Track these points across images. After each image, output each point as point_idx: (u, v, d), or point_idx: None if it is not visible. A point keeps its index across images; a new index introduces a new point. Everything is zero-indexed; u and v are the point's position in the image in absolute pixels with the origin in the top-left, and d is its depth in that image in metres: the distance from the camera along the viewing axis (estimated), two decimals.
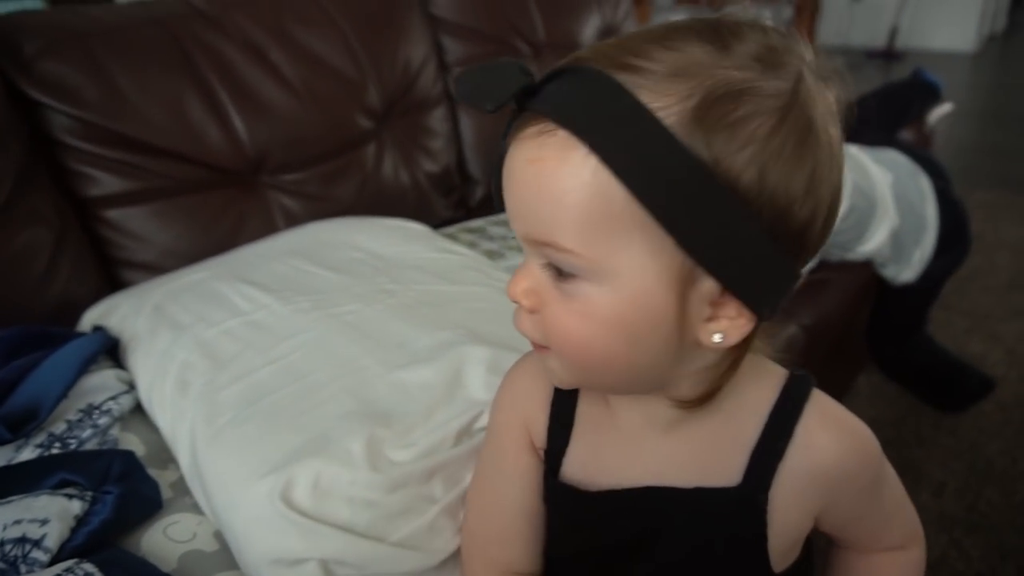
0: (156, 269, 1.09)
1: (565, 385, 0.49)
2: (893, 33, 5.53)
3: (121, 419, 0.69)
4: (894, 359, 1.64)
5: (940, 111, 1.73)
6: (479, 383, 0.65)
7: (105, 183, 1.10)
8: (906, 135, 1.58)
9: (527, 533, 0.57)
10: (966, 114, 4.01)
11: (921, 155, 1.40)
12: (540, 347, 0.46)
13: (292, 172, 1.26)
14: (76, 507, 0.54)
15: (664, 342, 0.42)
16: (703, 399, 0.47)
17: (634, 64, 0.38)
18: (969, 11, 5.73)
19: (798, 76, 0.40)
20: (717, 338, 0.42)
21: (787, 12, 4.76)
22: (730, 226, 0.39)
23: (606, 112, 0.38)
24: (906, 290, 1.38)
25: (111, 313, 0.86)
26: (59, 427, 0.64)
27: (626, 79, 0.38)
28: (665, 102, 0.37)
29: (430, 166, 1.48)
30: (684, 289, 0.40)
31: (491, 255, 1.18)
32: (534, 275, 0.43)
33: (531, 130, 0.40)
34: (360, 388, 0.64)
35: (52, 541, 0.51)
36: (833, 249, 1.28)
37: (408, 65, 1.45)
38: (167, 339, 0.75)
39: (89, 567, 0.48)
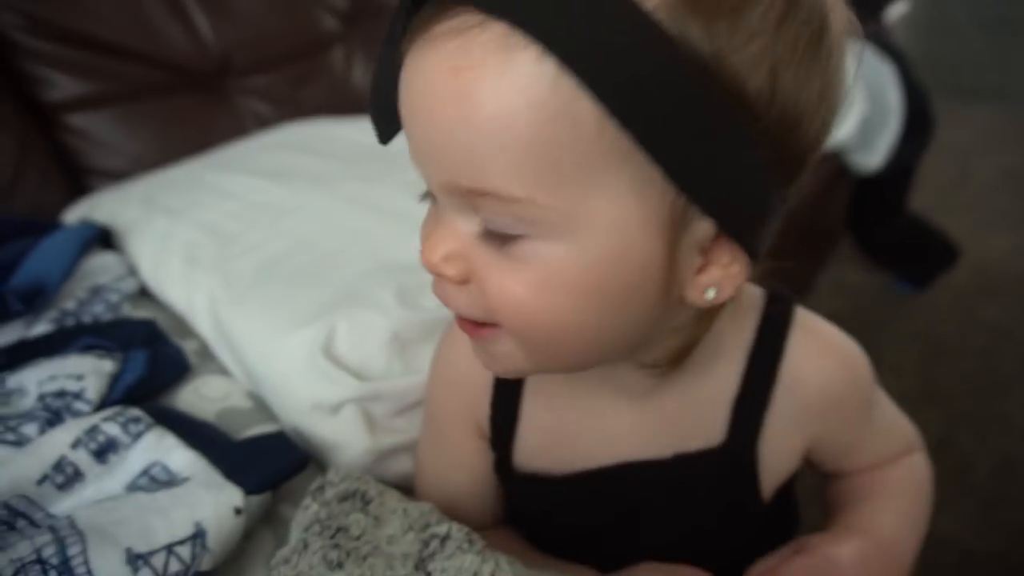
0: (126, 176, 1.05)
1: (518, 374, 0.40)
2: None
3: (127, 299, 0.67)
4: (876, 240, 1.74)
5: (898, 7, 1.75)
6: None
7: (64, 86, 1.04)
8: (869, 28, 1.61)
9: (480, 506, 0.50)
10: (908, 23, 4.08)
11: (881, 41, 1.43)
12: (480, 327, 0.35)
13: (259, 74, 1.21)
14: (108, 365, 0.53)
15: (647, 305, 0.33)
16: (677, 360, 0.39)
17: None
18: None
19: None
20: (711, 293, 0.33)
21: None
22: (736, 149, 0.29)
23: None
24: (880, 177, 1.44)
25: (94, 210, 0.83)
26: (70, 303, 0.62)
27: None
28: None
29: None
30: (675, 236, 0.31)
31: None
32: (458, 234, 0.33)
33: (446, 25, 0.29)
34: (378, 250, 0.64)
35: (92, 393, 0.51)
36: None
37: None
38: (164, 223, 0.73)
39: (135, 411, 0.48)
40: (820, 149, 0.34)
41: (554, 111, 0.28)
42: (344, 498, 0.46)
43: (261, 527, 0.48)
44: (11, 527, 0.43)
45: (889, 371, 1.55)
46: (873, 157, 1.39)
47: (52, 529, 0.41)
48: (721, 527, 0.47)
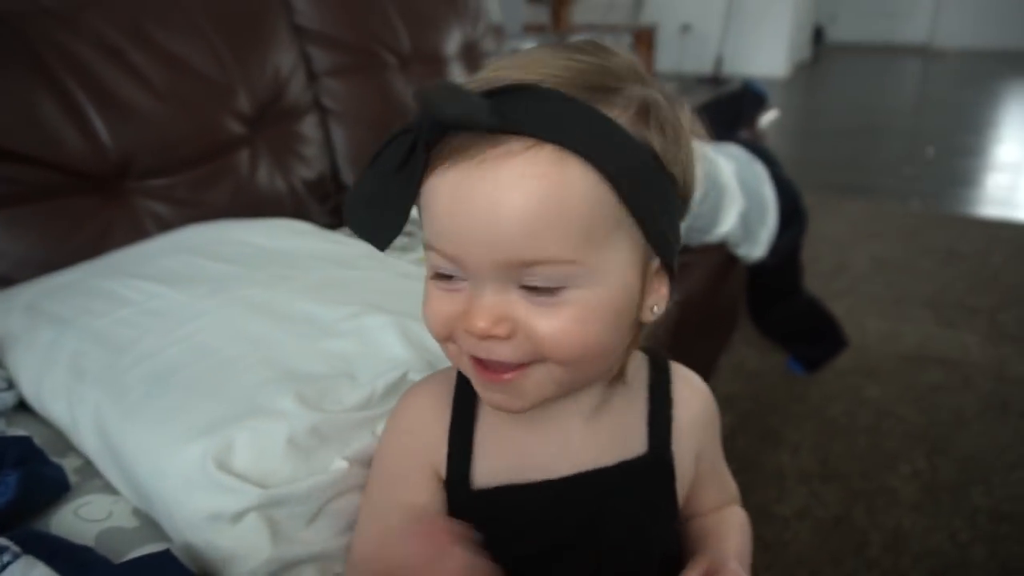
0: (9, 282, 1.00)
1: (537, 401, 0.48)
2: (719, 61, 6.10)
3: (4, 414, 0.63)
4: (770, 324, 1.86)
5: (769, 116, 1.95)
6: (397, 344, 0.66)
7: None
8: (742, 135, 1.77)
9: None
10: (781, 131, 4.50)
11: (754, 146, 1.58)
12: (514, 369, 0.46)
13: (161, 177, 1.20)
14: None
15: (630, 322, 0.47)
16: (620, 374, 0.53)
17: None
18: (780, 42, 6.48)
19: (662, 90, 0.47)
20: (657, 309, 0.49)
21: (626, 40, 5.13)
22: (674, 212, 0.47)
23: (587, 126, 0.41)
24: (766, 266, 1.55)
25: None
26: None
27: (578, 95, 0.42)
28: (615, 113, 0.43)
29: (305, 172, 1.46)
30: (645, 272, 0.47)
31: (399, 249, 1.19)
32: (499, 302, 0.44)
33: (503, 149, 0.41)
34: (277, 359, 0.63)
35: None
36: (693, 233, 1.41)
37: (277, 72, 1.43)
38: (50, 333, 0.70)
39: (1, 540, 0.45)
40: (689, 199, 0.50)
41: (594, 199, 0.42)
42: None
43: None
44: None
45: (788, 450, 1.62)
46: (756, 248, 1.51)
47: None
48: (656, 527, 0.57)
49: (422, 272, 0.90)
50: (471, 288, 0.45)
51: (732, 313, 1.92)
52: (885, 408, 1.78)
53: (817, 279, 2.33)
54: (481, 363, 0.46)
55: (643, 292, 0.47)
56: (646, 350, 0.57)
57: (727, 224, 1.42)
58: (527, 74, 0.43)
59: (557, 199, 0.41)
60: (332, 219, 1.53)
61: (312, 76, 1.56)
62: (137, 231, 1.14)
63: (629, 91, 0.44)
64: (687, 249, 1.42)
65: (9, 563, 0.43)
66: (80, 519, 0.53)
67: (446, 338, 0.47)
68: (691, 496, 0.61)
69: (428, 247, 0.46)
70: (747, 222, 1.45)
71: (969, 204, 3.34)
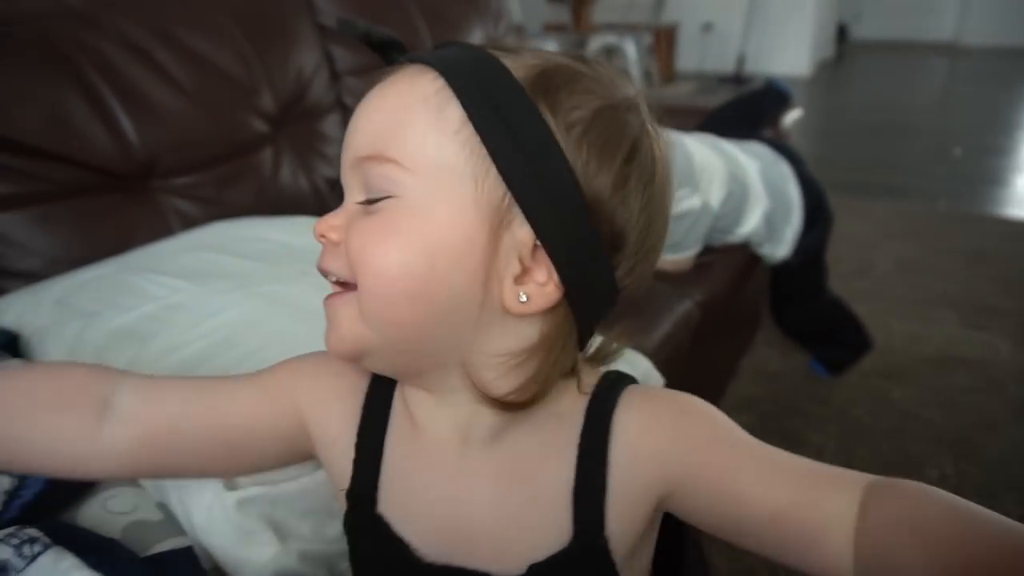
0: (39, 277, 1.02)
1: (356, 346, 0.43)
2: (741, 60, 6.05)
3: None
4: (793, 325, 1.83)
5: (792, 115, 1.93)
6: None
7: None
8: (766, 134, 1.75)
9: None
10: (804, 131, 4.45)
11: (778, 145, 1.57)
12: (339, 287, 0.44)
13: (185, 175, 1.22)
14: (5, 482, 0.50)
15: (468, 278, 0.40)
16: (519, 403, 0.43)
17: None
18: (803, 40, 6.40)
19: (630, 95, 0.44)
20: (523, 298, 0.40)
21: (647, 40, 5.11)
22: (555, 170, 0.39)
23: (455, 53, 0.42)
24: (790, 267, 1.53)
25: (4, 312, 0.80)
26: None
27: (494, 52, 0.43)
28: (516, 65, 0.41)
29: (328, 171, 1.47)
30: (497, 226, 0.40)
31: None
32: (347, 211, 0.43)
33: (394, 75, 0.43)
34: (298, 350, 0.63)
35: None
36: (715, 234, 1.40)
37: (301, 72, 1.45)
38: (77, 326, 0.71)
39: (32, 531, 0.45)
40: (632, 239, 0.42)
41: (431, 106, 0.40)
42: None
43: None
44: None
45: (811, 453, 1.60)
46: (780, 247, 1.49)
47: None
48: None
49: None
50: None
51: (754, 314, 1.91)
52: (910, 411, 1.76)
53: (841, 279, 2.30)
54: None
55: (492, 251, 0.40)
56: (601, 379, 0.46)
57: (751, 224, 1.40)
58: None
59: (396, 100, 0.42)
60: None
61: (335, 75, 1.57)
62: (162, 228, 1.16)
63: (588, 104, 0.41)
64: (710, 249, 1.41)
65: (39, 553, 0.44)
66: (107, 512, 0.54)
67: None
68: (758, 513, 0.42)
69: None
70: (771, 221, 1.44)
71: (997, 204, 3.28)
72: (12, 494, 0.50)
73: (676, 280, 1.30)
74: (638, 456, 0.43)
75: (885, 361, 1.94)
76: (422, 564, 0.45)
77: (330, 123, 1.51)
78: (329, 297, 0.44)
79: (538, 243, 0.40)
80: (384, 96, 0.43)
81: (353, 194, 0.43)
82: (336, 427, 0.49)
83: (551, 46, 3.98)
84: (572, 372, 0.46)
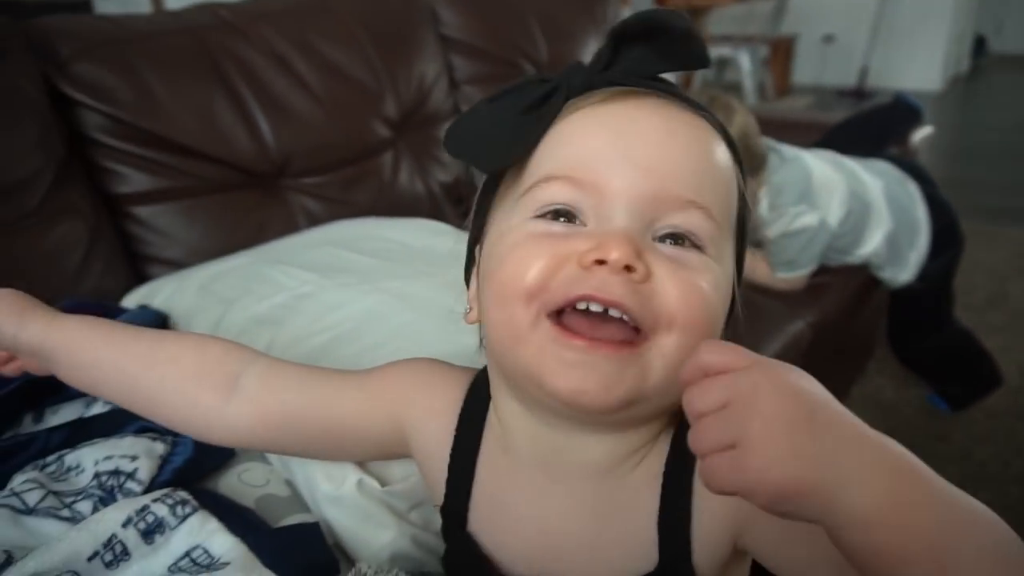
0: (182, 267, 1.11)
1: (623, 398, 0.39)
2: (864, 73, 5.76)
3: None
4: (913, 355, 1.72)
5: (922, 133, 1.82)
6: None
7: (135, 180, 1.12)
8: (892, 152, 1.66)
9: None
10: (934, 150, 4.18)
11: (907, 163, 1.48)
12: (630, 330, 0.39)
13: (313, 176, 1.29)
14: (160, 448, 0.56)
15: (723, 311, 0.43)
16: (667, 412, 0.44)
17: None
18: (935, 53, 6.01)
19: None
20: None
21: (763, 52, 4.96)
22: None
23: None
24: (913, 293, 1.45)
25: (154, 295, 0.88)
26: None
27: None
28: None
29: (442, 176, 1.52)
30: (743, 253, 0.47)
31: None
32: (640, 240, 0.39)
33: (666, 99, 0.42)
34: (419, 343, 0.67)
35: (144, 474, 0.53)
36: (833, 253, 1.35)
37: (422, 80, 1.51)
38: (218, 312, 0.78)
39: (183, 494, 0.50)
40: None
41: (733, 181, 0.44)
42: None
43: None
44: None
45: None
46: (903, 272, 1.41)
47: None
48: None
49: None
50: (596, 227, 0.39)
51: (869, 339, 1.81)
52: None
53: (970, 310, 2.15)
54: (572, 320, 0.39)
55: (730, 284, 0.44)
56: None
57: (871, 245, 1.34)
58: None
59: (719, 156, 0.42)
60: (463, 221, 1.59)
61: (454, 84, 1.62)
62: (290, 224, 1.24)
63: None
64: (825, 269, 1.35)
65: (189, 514, 0.48)
66: (243, 483, 0.59)
67: (530, 292, 0.39)
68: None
69: (547, 179, 0.41)
70: (894, 243, 1.37)
71: None
72: (165, 459, 0.55)
73: (788, 299, 1.26)
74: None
75: (1017, 400, 1.80)
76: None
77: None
78: (601, 343, 0.38)
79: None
80: (701, 139, 0.42)
81: (641, 218, 0.39)
82: (431, 445, 0.50)
83: None
84: None
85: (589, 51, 1.94)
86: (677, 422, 0.45)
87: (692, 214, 0.40)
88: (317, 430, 0.52)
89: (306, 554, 0.50)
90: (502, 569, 0.46)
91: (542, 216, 0.41)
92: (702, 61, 0.42)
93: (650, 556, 0.43)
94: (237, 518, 0.51)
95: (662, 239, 0.40)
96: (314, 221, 1.26)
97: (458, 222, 1.57)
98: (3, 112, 0.97)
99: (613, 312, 0.38)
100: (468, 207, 1.76)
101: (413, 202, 1.44)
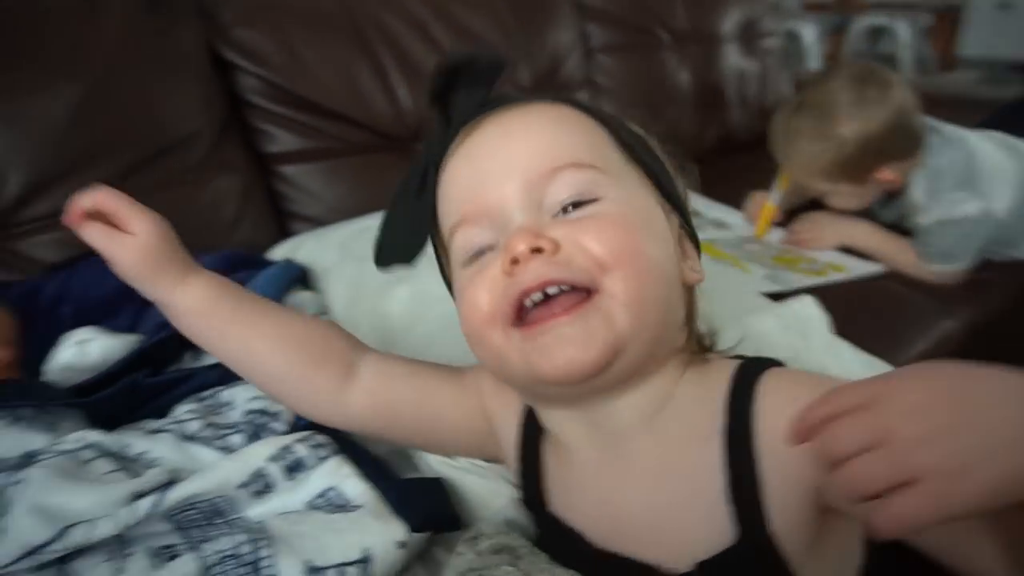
0: (322, 224, 1.17)
1: (603, 350, 0.42)
2: None
3: None
4: None
5: None
6: None
7: (283, 140, 1.19)
8: None
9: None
10: None
11: None
12: (580, 302, 0.42)
13: None
14: None
15: (672, 257, 0.47)
16: (693, 351, 0.49)
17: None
18: None
19: None
20: (695, 274, 0.49)
21: (926, 20, 4.54)
22: (670, 186, 0.50)
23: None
24: None
25: (297, 250, 0.94)
26: None
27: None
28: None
29: None
30: (667, 212, 0.48)
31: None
32: (536, 224, 0.43)
33: (499, 113, 0.47)
34: None
35: (287, 415, 0.57)
36: (997, 246, 1.22)
37: (556, 47, 1.49)
38: (356, 268, 0.81)
39: (321, 438, 0.54)
40: None
41: (595, 132, 0.48)
42: (496, 551, 0.48)
43: (416, 564, 0.51)
44: (211, 522, 0.49)
45: None
46: None
47: (248, 530, 0.46)
48: None
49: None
50: (504, 241, 0.44)
51: None
52: None
53: None
54: (531, 315, 0.42)
55: (676, 244, 0.48)
56: (737, 370, 0.46)
57: None
58: None
59: (567, 119, 0.47)
60: None
61: (588, 52, 1.59)
62: None
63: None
64: (989, 264, 1.23)
65: (327, 457, 0.52)
66: None
67: (490, 319, 0.43)
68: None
69: (452, 234, 0.47)
70: None
71: None
72: None
73: (939, 294, 1.16)
74: (786, 451, 0.39)
75: None
76: (595, 550, 0.47)
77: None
78: (557, 315, 0.42)
79: (683, 228, 0.49)
80: (539, 114, 0.47)
81: (529, 217, 0.44)
82: (508, 436, 0.54)
83: (809, 29, 3.68)
84: (703, 358, 0.49)
85: (730, 19, 1.85)
86: (731, 376, 0.45)
87: (562, 176, 0.44)
88: (422, 423, 0.55)
89: (430, 506, 0.52)
90: (587, 540, 0.48)
91: (468, 263, 0.46)
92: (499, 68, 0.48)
93: (725, 528, 0.42)
94: (368, 464, 0.54)
95: (563, 212, 0.44)
96: None
97: None
98: (172, 74, 1.05)
99: (552, 290, 0.42)
100: None
101: None
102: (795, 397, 0.39)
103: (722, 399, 0.44)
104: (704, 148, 1.76)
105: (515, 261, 0.42)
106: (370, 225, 0.97)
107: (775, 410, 0.42)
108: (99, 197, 0.50)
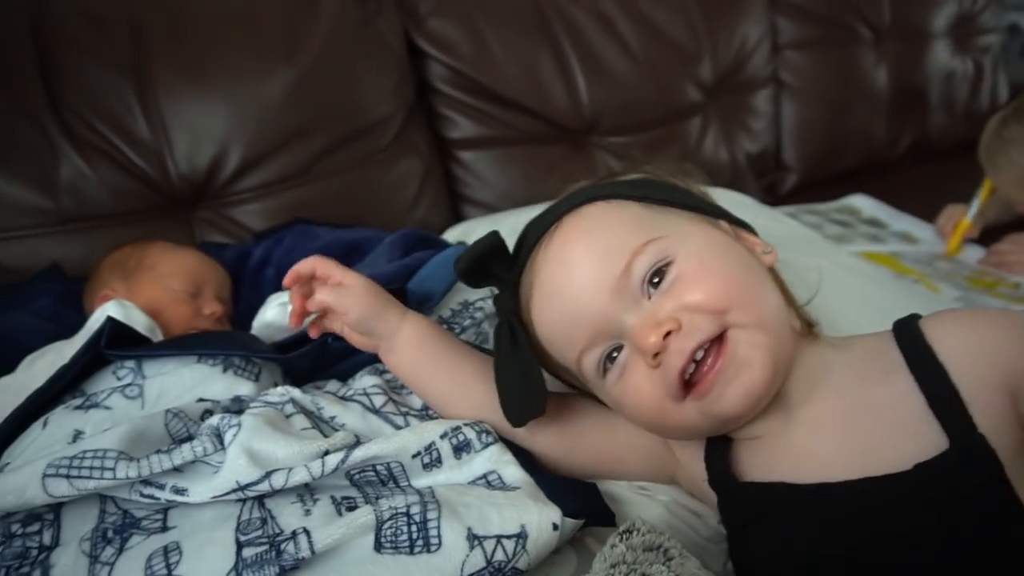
0: (493, 210, 1.22)
1: (772, 369, 0.47)
2: None
3: (489, 317, 0.79)
4: None
5: None
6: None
7: (463, 127, 1.25)
8: None
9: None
10: None
11: None
12: (719, 351, 0.47)
13: (620, 135, 1.32)
14: None
15: (754, 263, 0.51)
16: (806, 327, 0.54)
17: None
18: None
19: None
20: (767, 256, 0.53)
21: None
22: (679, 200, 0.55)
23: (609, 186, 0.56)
24: None
25: (470, 233, 0.98)
26: (446, 313, 0.75)
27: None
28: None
29: (749, 146, 1.46)
30: (715, 226, 0.53)
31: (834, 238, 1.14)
32: (648, 315, 0.48)
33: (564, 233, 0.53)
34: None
35: None
36: None
37: (744, 43, 1.44)
38: None
39: (486, 425, 0.56)
40: None
41: (623, 210, 0.53)
42: (649, 548, 0.48)
43: (567, 549, 0.52)
44: (383, 483, 0.53)
45: None
46: None
47: (419, 493, 0.50)
48: (982, 533, 0.43)
49: (862, 265, 0.84)
50: (633, 342, 0.49)
51: None
52: None
53: None
54: (694, 381, 0.47)
55: (744, 247, 0.52)
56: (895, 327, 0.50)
57: None
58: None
59: (604, 217, 0.52)
60: (764, 196, 1.51)
61: (776, 48, 1.52)
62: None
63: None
64: None
65: (490, 443, 0.55)
66: None
67: (662, 406, 0.48)
68: None
69: (579, 363, 0.52)
70: None
71: None
72: None
73: None
74: (972, 356, 0.46)
75: None
76: (805, 488, 0.48)
77: (761, 97, 1.48)
78: (714, 368, 0.47)
79: (732, 224, 0.55)
80: (583, 233, 0.52)
81: (631, 304, 0.49)
82: (685, 460, 0.56)
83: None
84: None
85: (943, 14, 1.69)
86: (890, 331, 0.50)
87: (633, 266, 0.49)
88: (603, 452, 0.58)
89: (584, 502, 0.54)
90: (803, 484, 0.48)
91: (604, 374, 0.51)
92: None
93: (936, 439, 0.44)
94: (525, 458, 0.56)
95: (651, 284, 0.49)
96: None
97: (758, 195, 1.50)
98: (373, 61, 1.14)
99: (699, 356, 0.47)
100: (770, 182, 1.68)
101: (714, 170, 1.40)
102: (959, 318, 0.49)
103: (889, 343, 0.49)
104: (896, 153, 1.63)
105: (656, 354, 0.47)
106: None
107: (950, 332, 0.47)
108: (313, 263, 0.59)
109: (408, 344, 0.59)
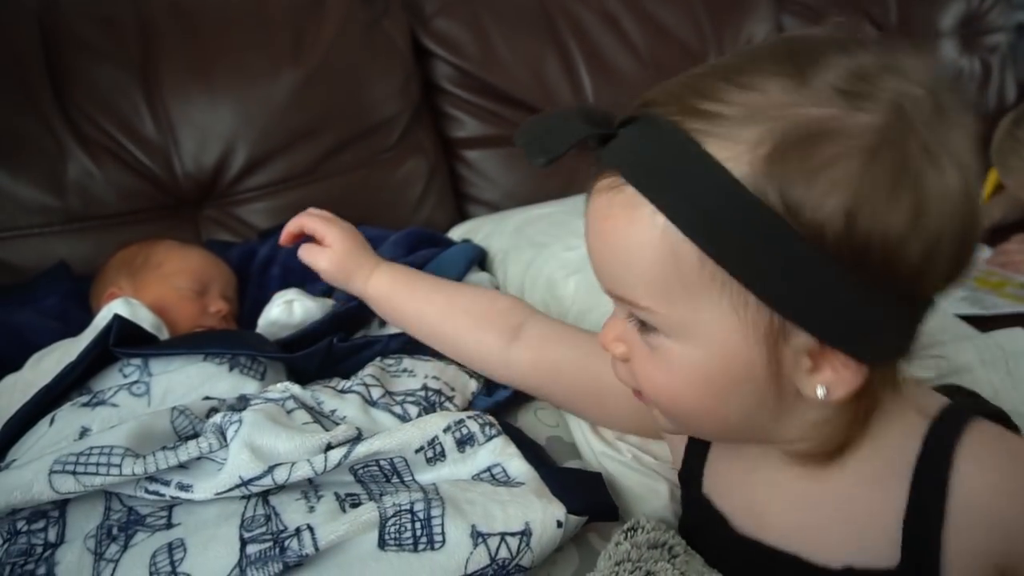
0: (498, 209, 1.22)
1: (668, 431, 0.50)
2: None
3: None
4: None
5: None
6: None
7: (469, 126, 1.25)
8: None
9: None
10: None
11: None
12: (637, 394, 0.46)
13: None
14: (474, 385, 0.66)
15: (757, 398, 0.40)
16: (828, 455, 0.43)
17: (705, 109, 0.36)
18: None
19: (892, 106, 0.35)
20: (820, 392, 0.39)
21: None
22: (818, 277, 0.35)
23: (672, 167, 0.36)
24: None
25: (475, 231, 0.99)
26: None
27: (696, 127, 0.36)
28: (735, 151, 0.35)
29: None
30: (775, 344, 0.38)
31: None
32: (622, 325, 0.43)
33: (604, 183, 0.40)
34: None
35: (459, 402, 0.63)
36: None
37: (750, 42, 1.43)
38: (529, 254, 0.85)
39: (490, 418, 0.57)
40: (940, 265, 0.36)
41: (665, 251, 0.37)
42: (653, 545, 0.48)
43: (570, 546, 0.52)
44: (387, 479, 0.53)
45: None
46: None
47: (423, 490, 0.50)
48: None
49: None
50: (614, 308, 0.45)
51: None
52: None
53: None
54: None
55: (777, 366, 0.38)
56: (943, 410, 0.42)
57: None
58: (681, 94, 0.38)
59: (622, 244, 0.39)
60: None
61: None
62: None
63: (779, 120, 0.35)
64: None
65: (494, 436, 0.55)
66: (538, 420, 0.64)
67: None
68: None
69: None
70: None
71: None
72: (475, 394, 0.65)
73: None
74: (980, 517, 0.40)
75: None
76: (736, 536, 0.48)
77: None
78: (636, 396, 0.47)
79: (822, 342, 0.38)
80: (609, 232, 0.40)
81: (619, 308, 0.44)
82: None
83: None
84: (897, 394, 0.42)
85: (950, 12, 1.68)
86: (933, 418, 0.42)
87: (628, 306, 0.41)
88: (582, 388, 0.59)
89: (588, 496, 0.54)
90: (731, 524, 0.48)
91: None
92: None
93: (888, 553, 0.41)
94: (529, 449, 0.56)
95: (636, 321, 0.42)
96: None
97: None
98: (379, 61, 1.14)
99: None
100: None
101: None
102: (1009, 471, 0.40)
103: (918, 438, 0.42)
104: None
105: None
106: (545, 213, 1.00)
107: (978, 477, 0.40)
108: (302, 221, 0.69)
109: (376, 302, 0.67)
